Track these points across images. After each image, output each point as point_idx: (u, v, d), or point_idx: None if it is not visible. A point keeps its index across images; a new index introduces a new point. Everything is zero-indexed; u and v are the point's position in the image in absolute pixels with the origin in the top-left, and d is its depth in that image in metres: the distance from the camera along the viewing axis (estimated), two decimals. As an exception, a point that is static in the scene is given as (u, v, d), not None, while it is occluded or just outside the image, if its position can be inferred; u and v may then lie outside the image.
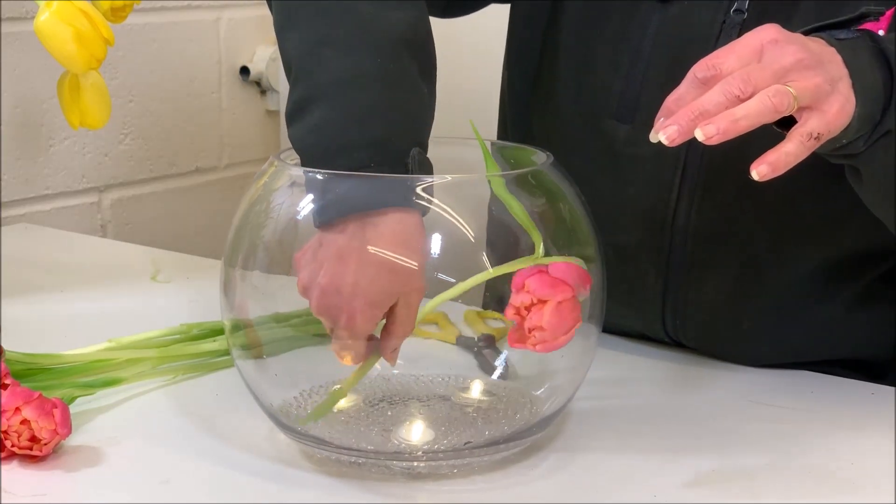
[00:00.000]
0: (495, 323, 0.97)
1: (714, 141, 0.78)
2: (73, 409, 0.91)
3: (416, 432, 0.88)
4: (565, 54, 1.10)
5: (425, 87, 0.91)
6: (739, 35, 0.87)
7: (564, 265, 0.81)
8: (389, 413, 0.90)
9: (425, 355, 0.95)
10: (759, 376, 1.07)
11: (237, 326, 0.88)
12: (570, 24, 1.10)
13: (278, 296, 0.88)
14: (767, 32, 0.83)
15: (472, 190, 0.87)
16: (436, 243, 0.84)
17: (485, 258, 0.84)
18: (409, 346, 0.87)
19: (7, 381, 0.88)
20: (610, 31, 1.07)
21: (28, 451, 0.86)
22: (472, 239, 0.84)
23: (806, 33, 0.87)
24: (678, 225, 1.05)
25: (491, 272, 0.83)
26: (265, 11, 1.91)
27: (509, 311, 0.81)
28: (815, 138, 0.81)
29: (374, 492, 0.84)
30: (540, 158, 0.90)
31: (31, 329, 1.13)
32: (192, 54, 1.78)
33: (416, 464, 0.84)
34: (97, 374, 1.01)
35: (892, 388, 1.04)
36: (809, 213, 1.04)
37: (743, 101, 0.79)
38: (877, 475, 0.88)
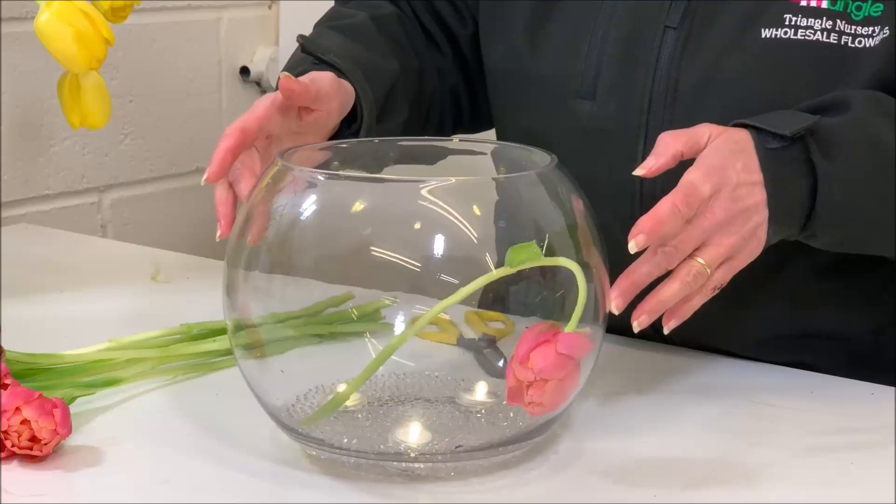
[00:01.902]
0: (496, 324, 0.97)
1: (645, 326, 0.91)
2: (73, 409, 0.91)
3: (417, 434, 0.88)
4: (528, 45, 1.16)
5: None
6: (686, 13, 1.05)
7: (574, 337, 0.80)
8: (392, 414, 0.90)
9: (426, 356, 0.95)
10: (759, 376, 1.07)
11: (239, 326, 0.88)
12: (525, 13, 1.15)
13: (280, 296, 0.88)
14: (708, 183, 0.92)
15: (476, 192, 0.87)
16: (439, 245, 0.84)
17: (488, 259, 0.84)
18: (411, 347, 0.87)
19: (7, 381, 0.88)
20: (569, 20, 1.13)
21: (28, 451, 0.86)
22: (475, 241, 0.84)
23: (745, 125, 0.95)
24: (646, 194, 1.07)
25: (494, 274, 0.83)
26: (265, 11, 1.91)
27: (510, 376, 0.80)
28: (718, 287, 0.94)
29: (374, 493, 0.84)
30: (543, 159, 0.90)
31: (31, 329, 1.13)
32: (192, 54, 1.78)
33: (416, 465, 0.84)
34: (97, 374, 1.01)
35: (892, 388, 1.04)
36: None
37: (667, 269, 0.91)
38: (877, 475, 0.88)
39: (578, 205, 0.88)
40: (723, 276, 0.93)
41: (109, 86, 1.22)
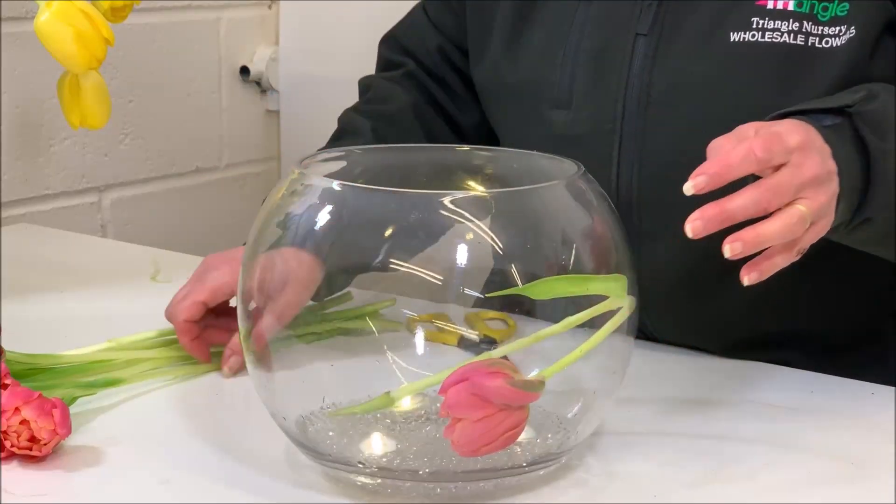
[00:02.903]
0: (497, 324, 0.97)
1: (737, 256, 0.84)
2: (73, 409, 0.91)
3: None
4: (506, 57, 1.16)
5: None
6: (655, 19, 1.06)
7: (492, 381, 0.76)
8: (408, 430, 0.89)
9: (427, 356, 0.95)
10: (759, 376, 1.07)
11: (250, 335, 0.87)
12: (505, 27, 1.16)
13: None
14: (796, 134, 0.87)
15: (501, 203, 0.86)
16: (462, 256, 0.84)
17: (514, 272, 0.83)
18: (411, 347, 0.87)
19: (7, 382, 0.88)
20: (544, 30, 1.14)
21: (27, 452, 0.86)
22: (500, 253, 0.83)
23: (790, 114, 0.93)
24: (622, 198, 1.08)
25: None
26: (265, 11, 1.91)
27: (442, 409, 0.77)
28: (802, 251, 0.87)
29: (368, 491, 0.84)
30: (571, 169, 0.90)
31: (31, 329, 1.13)
32: (192, 54, 1.78)
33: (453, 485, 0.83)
34: (97, 374, 1.01)
35: (892, 388, 1.04)
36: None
37: (765, 210, 0.84)
38: (877, 475, 0.88)
39: (606, 214, 0.87)
40: (808, 239, 0.87)
41: (109, 86, 1.21)
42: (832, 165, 0.89)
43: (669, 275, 1.10)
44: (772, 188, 0.84)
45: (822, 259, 1.09)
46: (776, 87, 1.04)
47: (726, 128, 0.98)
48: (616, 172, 1.09)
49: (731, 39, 1.05)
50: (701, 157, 1.05)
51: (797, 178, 0.85)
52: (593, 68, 1.10)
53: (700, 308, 1.11)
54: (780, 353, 1.11)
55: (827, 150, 0.90)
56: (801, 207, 0.85)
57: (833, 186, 0.89)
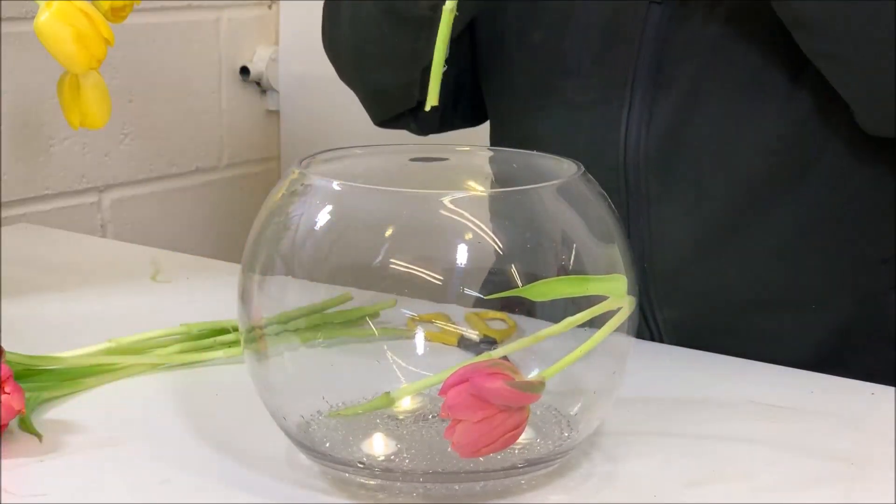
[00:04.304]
0: (497, 324, 0.97)
1: None
2: (73, 409, 0.91)
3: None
4: (512, 31, 1.18)
5: None
6: None
7: (492, 382, 0.76)
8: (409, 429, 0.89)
9: (427, 356, 0.95)
10: (759, 376, 1.07)
11: (252, 334, 0.87)
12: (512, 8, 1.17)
13: (294, 304, 0.87)
14: None
15: (500, 203, 0.86)
16: (462, 256, 0.84)
17: (514, 272, 0.83)
18: (411, 347, 0.87)
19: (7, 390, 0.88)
20: (551, 8, 1.16)
21: None
22: (500, 253, 0.83)
23: None
24: (629, 162, 1.10)
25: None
26: (265, 11, 1.91)
27: (442, 410, 0.77)
28: None
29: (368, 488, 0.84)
30: (570, 169, 0.90)
31: (31, 329, 1.13)
32: (192, 54, 1.78)
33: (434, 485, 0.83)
34: (97, 375, 1.01)
35: (892, 388, 1.04)
36: (754, 118, 1.09)
37: None
38: (877, 475, 0.88)
39: (606, 214, 0.87)
40: None
41: (109, 86, 1.21)
42: None
43: (675, 238, 1.12)
44: None
45: (827, 223, 1.10)
46: (789, 43, 1.04)
47: (738, 88, 1.00)
48: (624, 135, 1.10)
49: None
50: (710, 119, 1.07)
51: None
52: (604, 36, 1.12)
53: (705, 271, 1.13)
54: (781, 317, 1.12)
55: None
56: None
57: None
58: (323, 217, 0.86)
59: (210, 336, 1.09)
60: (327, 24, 1.24)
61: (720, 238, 1.12)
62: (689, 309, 1.14)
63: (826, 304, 1.14)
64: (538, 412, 0.88)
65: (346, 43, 1.21)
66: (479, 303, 0.86)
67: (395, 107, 1.24)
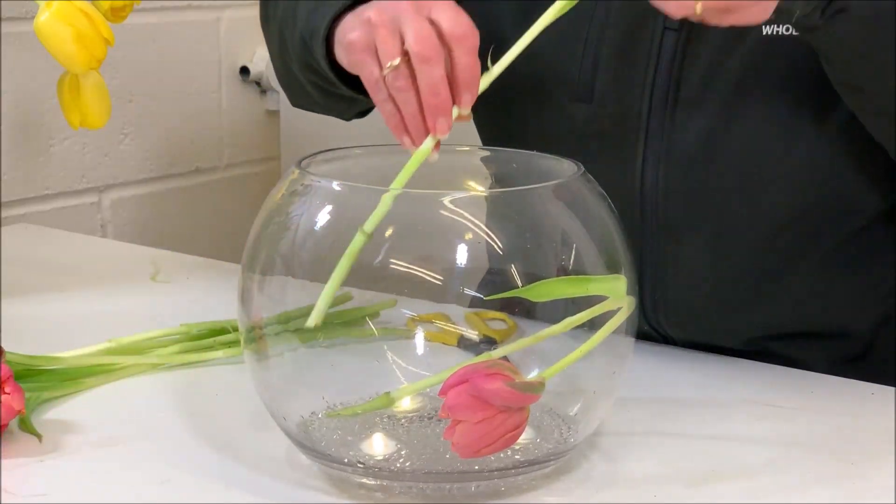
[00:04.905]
0: (497, 324, 0.97)
1: None
2: (73, 409, 0.91)
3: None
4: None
5: None
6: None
7: (492, 383, 0.76)
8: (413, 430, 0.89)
9: (427, 356, 0.95)
10: (759, 376, 1.07)
11: (252, 334, 0.87)
12: (514, 22, 1.11)
13: (294, 304, 0.87)
14: None
15: (500, 203, 0.86)
16: (462, 256, 0.83)
17: (513, 272, 0.83)
18: (411, 347, 0.87)
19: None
20: (560, 20, 1.10)
21: None
22: (500, 253, 0.83)
23: None
24: (646, 191, 1.07)
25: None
26: (265, 11, 1.91)
27: (441, 410, 0.77)
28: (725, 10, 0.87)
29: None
30: (570, 169, 0.89)
31: (31, 329, 1.13)
32: (192, 54, 1.78)
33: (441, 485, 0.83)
34: (97, 375, 1.01)
35: (892, 388, 1.04)
36: (777, 164, 1.06)
37: None
38: (877, 475, 0.88)
39: (606, 214, 0.87)
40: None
41: (109, 86, 1.22)
42: None
43: (693, 271, 1.09)
44: None
45: (842, 257, 1.09)
46: (810, 81, 1.02)
47: (756, 125, 0.97)
48: (641, 168, 1.07)
49: (765, 33, 1.03)
50: (730, 154, 1.05)
51: None
52: (617, 62, 1.08)
53: (722, 305, 1.10)
54: (798, 345, 1.11)
55: None
56: (698, 9, 0.87)
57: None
58: (323, 217, 0.86)
59: (210, 336, 1.09)
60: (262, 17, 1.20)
61: (741, 275, 1.09)
62: (703, 336, 1.12)
63: (846, 335, 1.13)
64: (537, 413, 0.88)
65: (273, 53, 1.17)
66: (478, 302, 0.86)
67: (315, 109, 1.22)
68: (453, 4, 0.90)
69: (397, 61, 0.89)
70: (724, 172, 1.06)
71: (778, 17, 0.89)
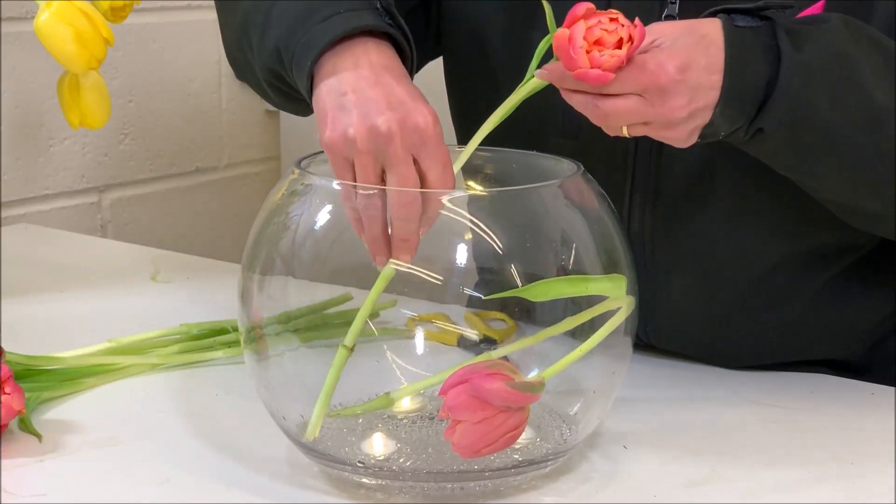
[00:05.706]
0: (497, 324, 0.97)
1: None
2: (73, 409, 0.91)
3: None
4: (503, 80, 1.10)
5: None
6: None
7: (492, 383, 0.76)
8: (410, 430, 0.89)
9: (427, 356, 0.95)
10: (759, 376, 1.07)
11: (252, 334, 0.87)
12: (502, 51, 1.11)
13: (294, 304, 0.87)
14: (676, 59, 0.86)
15: (500, 202, 0.86)
16: (462, 256, 0.83)
17: (513, 271, 0.83)
18: (411, 347, 0.87)
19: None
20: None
21: None
22: (500, 252, 0.83)
23: (715, 13, 0.90)
24: (634, 231, 1.06)
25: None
26: (265, 11, 1.91)
27: (442, 410, 0.77)
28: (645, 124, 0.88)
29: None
30: (570, 169, 0.89)
31: (31, 329, 1.13)
32: (192, 54, 1.78)
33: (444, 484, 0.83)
34: (97, 375, 1.01)
35: (892, 388, 1.04)
36: (765, 209, 1.05)
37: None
38: (877, 475, 0.88)
39: (605, 214, 0.87)
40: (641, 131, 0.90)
41: (109, 86, 1.22)
42: (710, 98, 0.88)
43: (683, 307, 1.08)
44: (609, 115, 0.86)
45: (836, 289, 1.08)
46: None
47: (742, 163, 0.96)
48: (628, 207, 1.06)
49: None
50: (717, 193, 1.04)
51: (647, 111, 0.86)
52: None
53: (713, 338, 1.09)
54: (790, 368, 1.10)
55: (713, 81, 0.88)
56: (625, 132, 0.88)
57: (692, 124, 0.89)
58: (323, 217, 0.86)
59: (210, 336, 1.09)
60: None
61: (731, 311, 1.08)
62: (694, 357, 1.11)
63: (837, 359, 1.12)
64: (537, 413, 0.88)
65: (227, 33, 1.10)
66: (478, 302, 0.86)
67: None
68: (445, 152, 0.87)
69: (373, 191, 0.85)
70: (712, 216, 1.05)
71: (703, 138, 0.90)
